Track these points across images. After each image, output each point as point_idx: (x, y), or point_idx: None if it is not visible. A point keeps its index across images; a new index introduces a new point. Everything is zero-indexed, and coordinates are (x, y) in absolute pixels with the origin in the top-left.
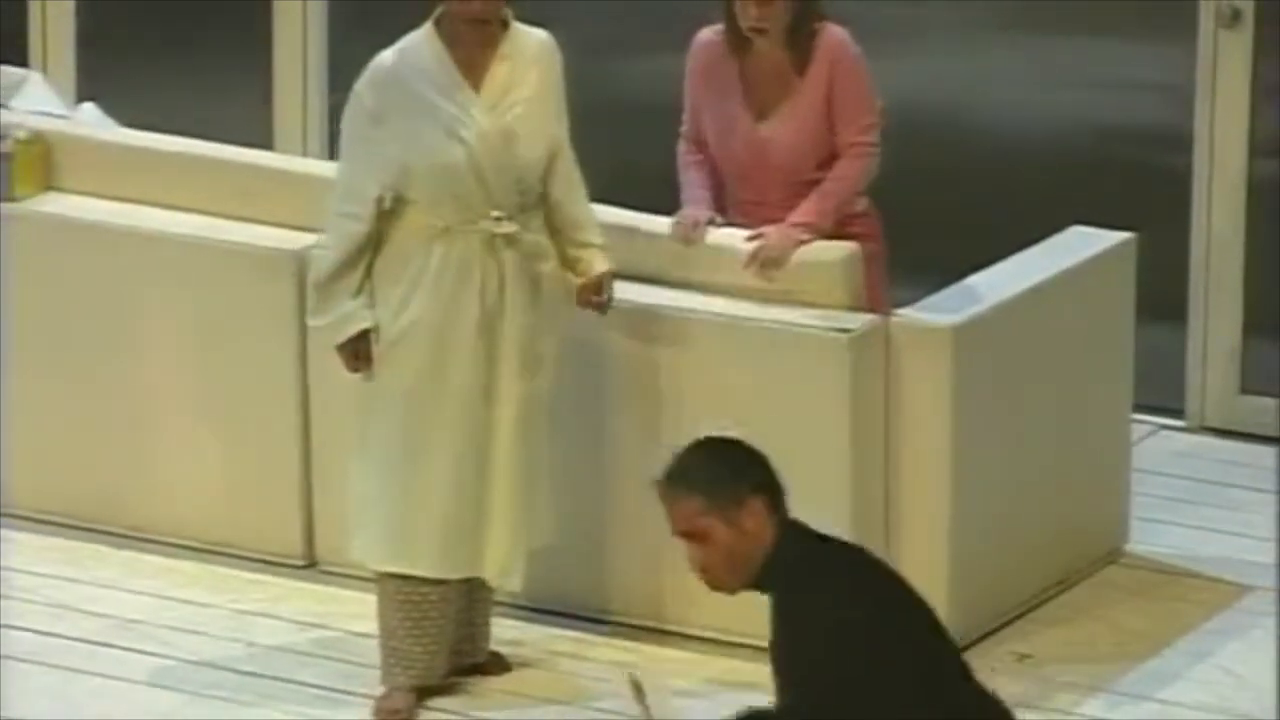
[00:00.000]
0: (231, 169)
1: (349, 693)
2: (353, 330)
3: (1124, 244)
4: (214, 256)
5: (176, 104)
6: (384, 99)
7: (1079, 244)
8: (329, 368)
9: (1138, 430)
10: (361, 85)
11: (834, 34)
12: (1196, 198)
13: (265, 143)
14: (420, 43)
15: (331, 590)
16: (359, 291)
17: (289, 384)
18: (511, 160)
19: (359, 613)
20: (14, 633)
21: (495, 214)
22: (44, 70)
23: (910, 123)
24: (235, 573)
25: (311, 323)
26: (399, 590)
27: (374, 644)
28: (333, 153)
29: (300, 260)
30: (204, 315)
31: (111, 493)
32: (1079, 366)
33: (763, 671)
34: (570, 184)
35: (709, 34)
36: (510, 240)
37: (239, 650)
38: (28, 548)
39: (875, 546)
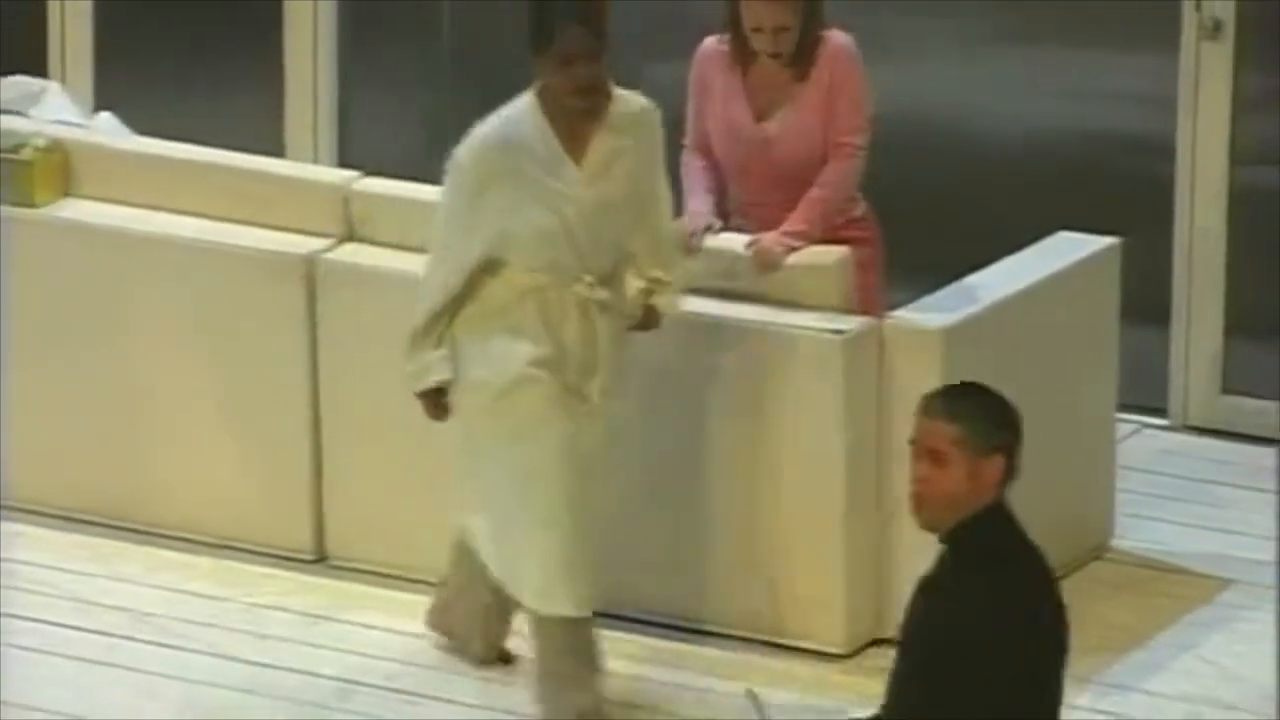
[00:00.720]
0: (243, 176)
1: (359, 684)
2: (431, 381)
3: (1110, 249)
4: (227, 260)
5: (190, 113)
6: (485, 170)
7: (1066, 248)
8: (339, 369)
9: (1123, 429)
10: (463, 155)
11: (837, 39)
12: (1180, 204)
13: (276, 150)
14: (522, 114)
15: (341, 584)
16: (440, 343)
17: (300, 384)
18: (609, 230)
19: (368, 606)
20: (36, 625)
21: (588, 279)
22: (63, 81)
23: (906, 130)
24: (248, 567)
25: (405, 367)
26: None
27: (381, 635)
28: (342, 159)
29: (309, 264)
30: (217, 317)
31: (129, 490)
32: (1066, 367)
33: (857, 682)
34: (658, 233)
35: (713, 43)
36: (603, 305)
37: (251, 642)
38: (50, 543)
39: (869, 545)
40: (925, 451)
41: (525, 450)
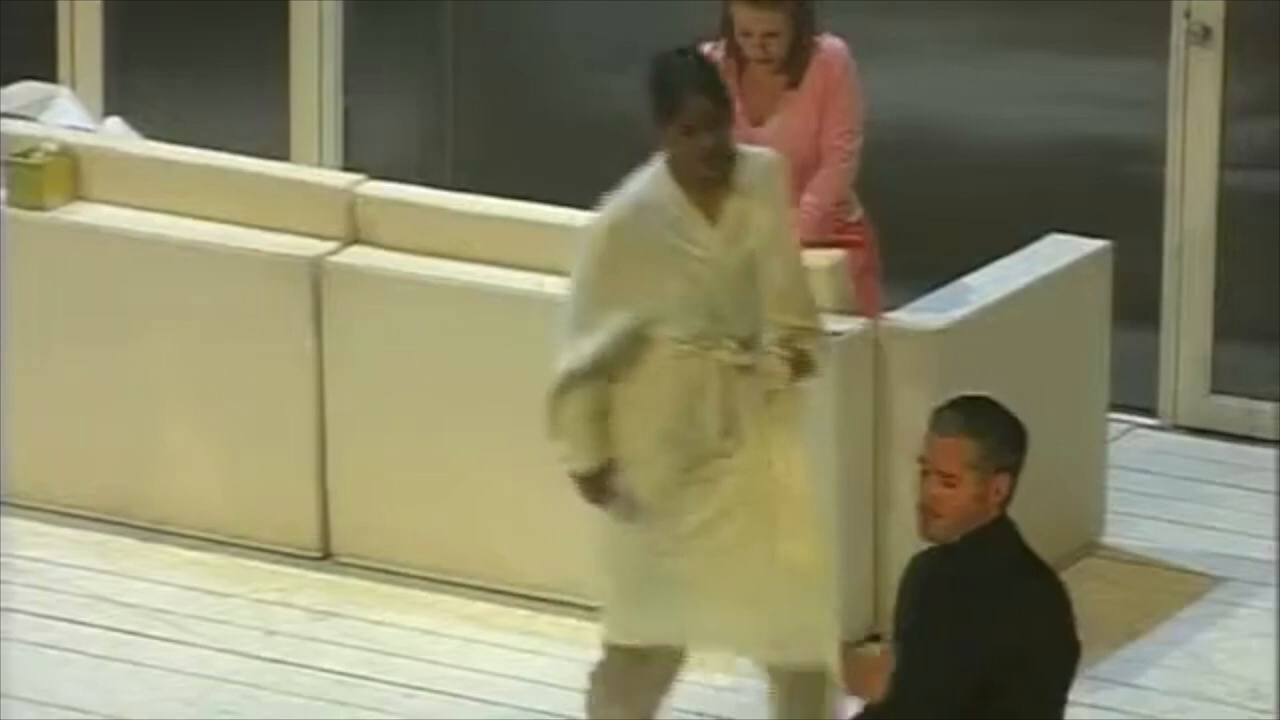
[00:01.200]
0: (250, 179)
1: (365, 678)
2: (581, 467)
3: (1100, 251)
4: (234, 262)
5: (197, 118)
6: (620, 240)
7: (1058, 251)
8: (344, 369)
9: (1113, 429)
10: (597, 224)
11: (831, 45)
12: (1169, 208)
13: (282, 154)
14: (654, 181)
15: (346, 581)
16: (592, 422)
17: (305, 385)
18: (749, 291)
19: (372, 602)
20: (51, 621)
21: (731, 345)
22: (72, 87)
23: (898, 135)
24: (255, 564)
25: (550, 440)
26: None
27: (385, 630)
28: (347, 162)
29: (315, 266)
30: (224, 318)
31: (137, 489)
32: (1058, 367)
33: None
34: (790, 278)
35: (708, 50)
36: (745, 369)
37: (259, 638)
38: (61, 541)
39: (864, 546)
40: (937, 471)
41: (647, 522)
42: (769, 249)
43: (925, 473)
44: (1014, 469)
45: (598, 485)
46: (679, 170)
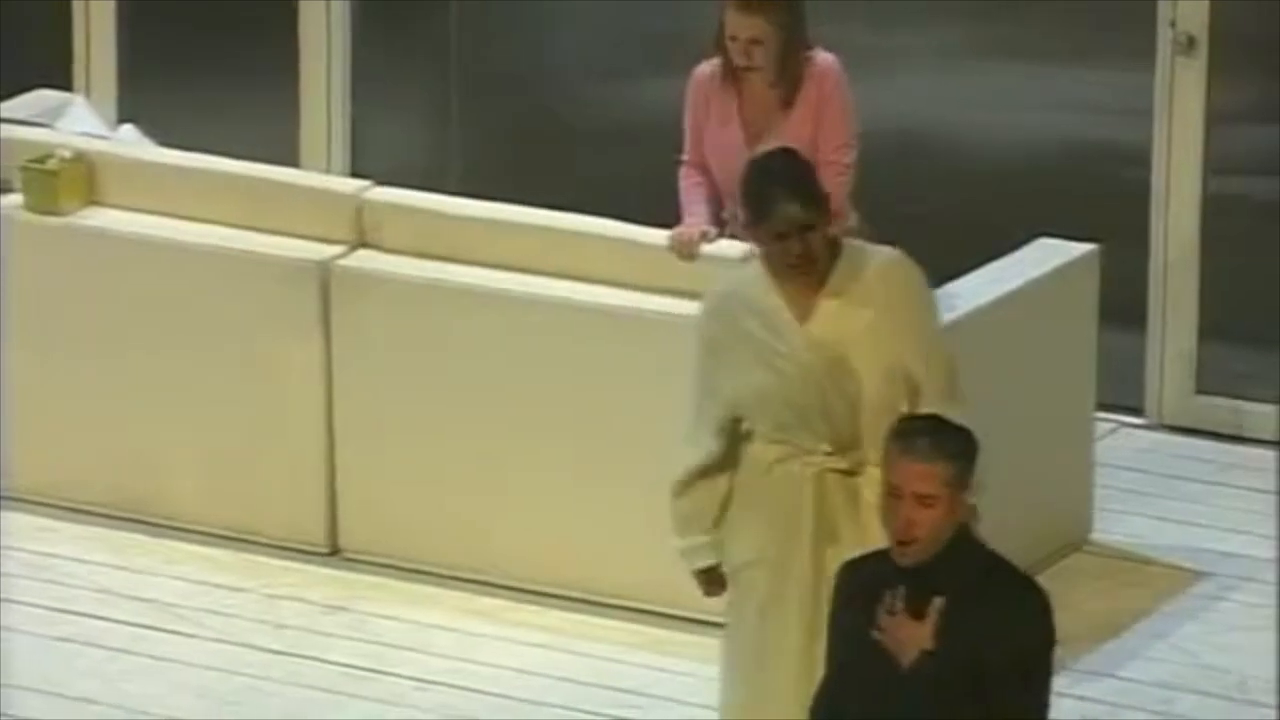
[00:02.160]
0: (260, 185)
1: (373, 670)
2: (699, 565)
3: (1088, 255)
4: (244, 266)
5: (209, 125)
6: (716, 329)
7: (1046, 255)
8: (352, 369)
9: (1101, 427)
10: (701, 313)
11: (824, 60)
12: (1155, 212)
13: (291, 160)
14: (751, 270)
15: (354, 576)
16: (712, 523)
17: (314, 384)
18: (841, 396)
19: (379, 597)
20: (61, 615)
21: (825, 448)
22: (87, 95)
23: (891, 143)
24: (265, 560)
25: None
26: None
27: (392, 624)
28: (354, 168)
29: (323, 269)
30: (234, 320)
31: (150, 486)
32: (1047, 368)
33: None
34: (926, 397)
35: (707, 67)
36: (844, 474)
37: (269, 631)
38: (74, 536)
39: None
40: (911, 495)
41: (753, 629)
42: (869, 355)
43: (897, 496)
44: (971, 477)
45: (712, 580)
46: (772, 265)
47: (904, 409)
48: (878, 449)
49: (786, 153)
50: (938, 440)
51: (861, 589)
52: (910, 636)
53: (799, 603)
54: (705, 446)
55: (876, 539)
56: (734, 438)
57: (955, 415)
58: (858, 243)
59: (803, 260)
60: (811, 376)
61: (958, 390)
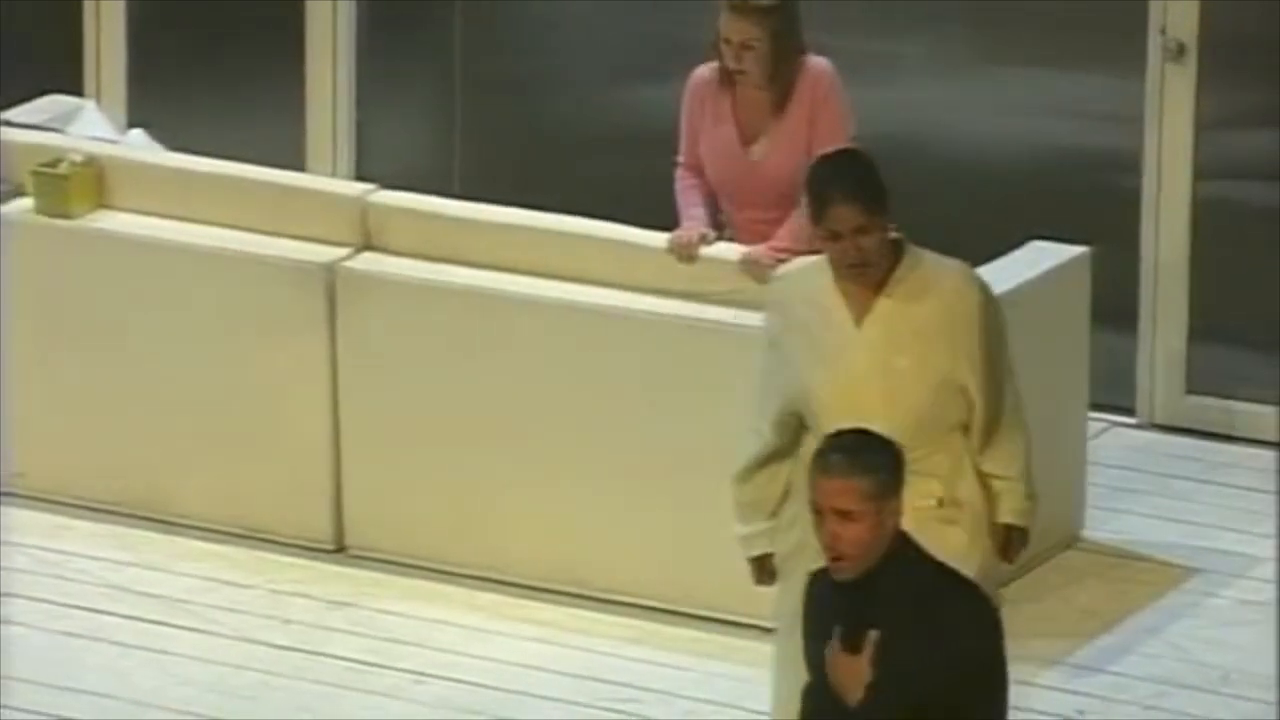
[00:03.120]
0: (266, 188)
1: (378, 665)
2: (753, 552)
3: (1080, 258)
4: (252, 268)
5: (217, 129)
6: (777, 322)
7: (1039, 257)
8: (357, 369)
9: (1093, 427)
10: (766, 305)
11: (816, 64)
12: (1146, 216)
13: (297, 164)
14: (816, 266)
15: (360, 572)
16: (771, 513)
17: (320, 384)
18: (888, 399)
19: (384, 593)
20: (71, 611)
21: None
22: (97, 100)
23: (884, 147)
24: (272, 557)
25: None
26: None
27: (396, 620)
28: (359, 172)
29: (329, 271)
30: (242, 321)
31: (159, 484)
32: (1040, 369)
33: None
34: (980, 419)
35: (703, 71)
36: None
37: (276, 627)
38: (84, 533)
39: None
40: (831, 511)
41: (785, 626)
42: (919, 363)
43: (819, 513)
44: (900, 485)
45: (763, 569)
46: (832, 262)
47: (963, 421)
48: (925, 458)
49: (850, 153)
50: (854, 456)
51: (816, 610)
52: (851, 674)
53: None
54: (765, 436)
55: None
56: (796, 429)
57: (1010, 443)
58: (922, 249)
59: (856, 264)
60: (863, 379)
61: (1016, 418)
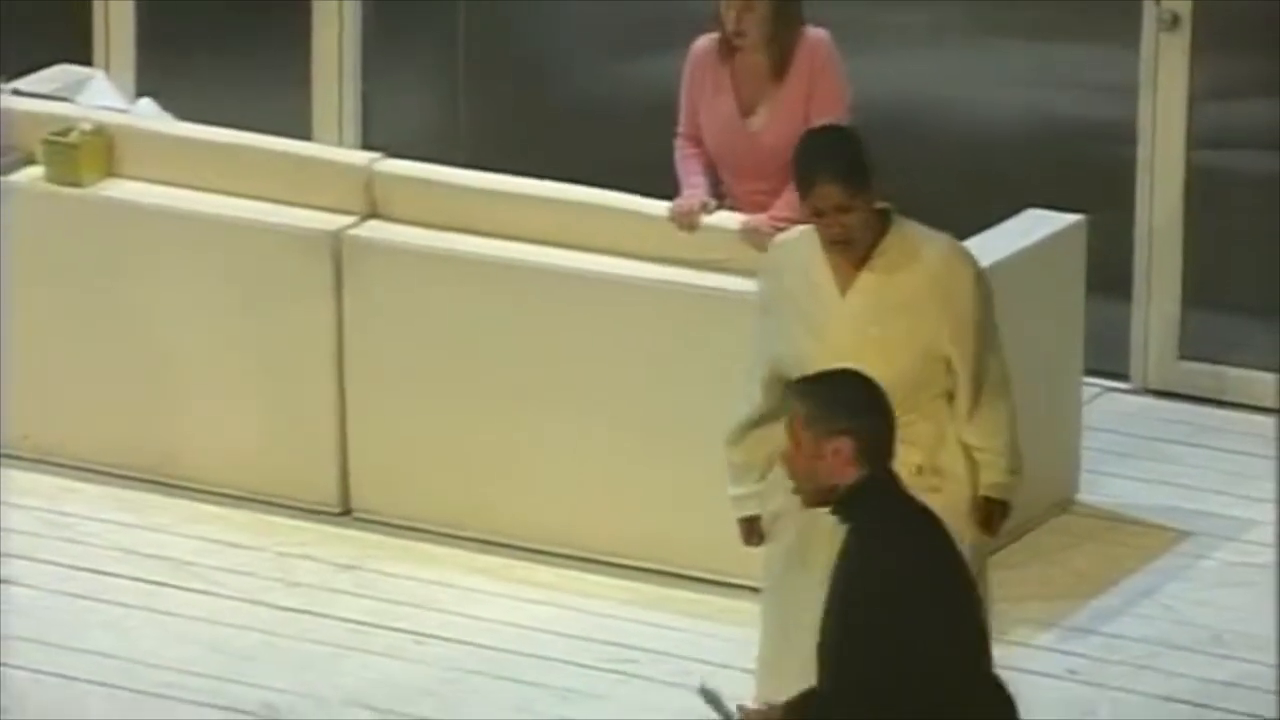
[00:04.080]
0: (273, 157)
1: (381, 626)
2: (743, 513)
3: (1075, 225)
4: (259, 235)
5: (225, 98)
6: (768, 288)
7: (1035, 225)
8: (362, 334)
9: (1087, 392)
10: (759, 272)
11: (814, 35)
12: (1140, 184)
13: (304, 133)
14: (805, 238)
15: (365, 535)
16: (762, 475)
17: (326, 349)
18: (876, 368)
19: (390, 555)
20: (77, 572)
21: None
22: (107, 69)
23: (883, 117)
24: (278, 520)
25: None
26: None
27: (401, 582)
28: (365, 141)
29: (335, 239)
30: (249, 288)
31: (167, 448)
32: (1036, 335)
33: None
34: (964, 390)
35: (704, 42)
36: None
37: (281, 589)
38: (91, 496)
39: None
40: (787, 429)
41: (778, 580)
42: (904, 333)
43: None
44: (854, 432)
45: (752, 530)
46: (819, 236)
47: (947, 390)
48: (909, 425)
49: (837, 131)
50: (810, 382)
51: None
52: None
53: (821, 566)
54: (755, 400)
55: None
56: (774, 389)
57: (993, 415)
58: (910, 222)
59: (839, 241)
60: (845, 349)
61: (1001, 391)
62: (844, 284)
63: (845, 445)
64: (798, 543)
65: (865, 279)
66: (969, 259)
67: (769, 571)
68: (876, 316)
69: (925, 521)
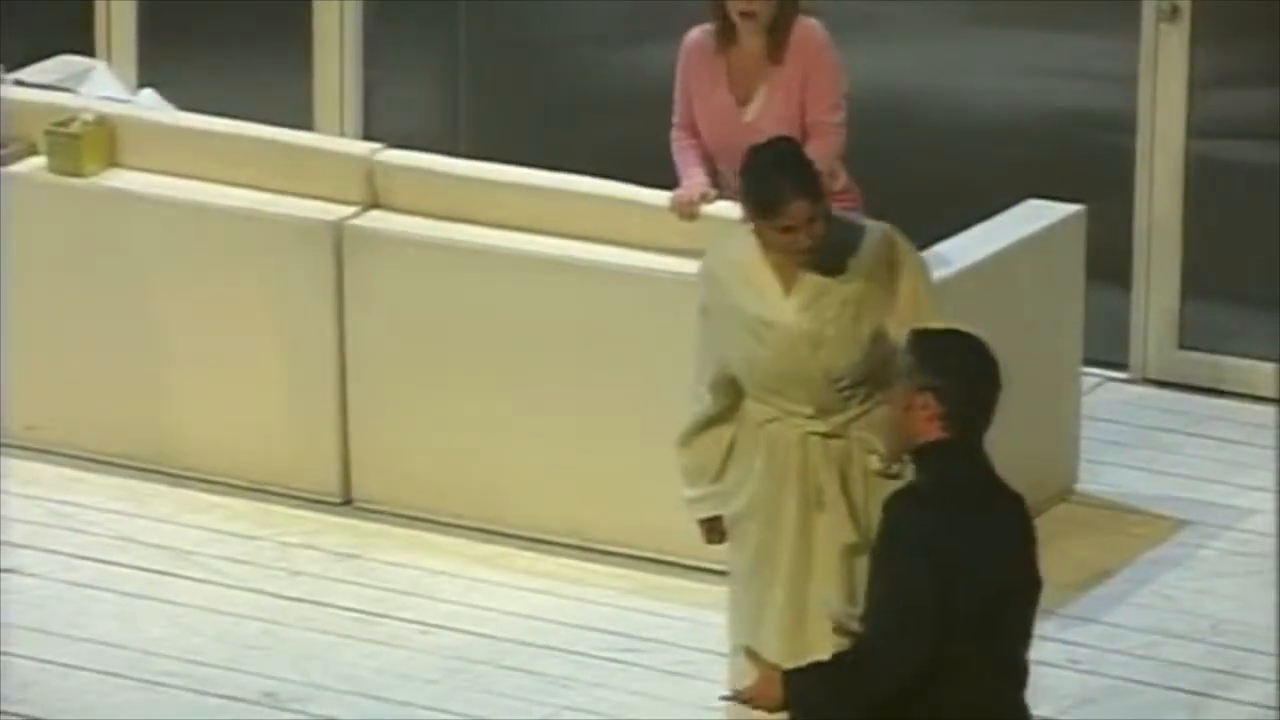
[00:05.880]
0: (275, 147)
1: (382, 615)
2: (699, 514)
3: (1075, 215)
4: (260, 225)
5: (226, 89)
6: (708, 290)
7: (1035, 215)
8: (364, 324)
9: (1087, 381)
10: (698, 277)
11: (807, 25)
12: (1140, 174)
13: (305, 123)
14: (744, 239)
15: (365, 525)
16: (715, 475)
17: (328, 339)
18: (819, 363)
19: (391, 544)
20: (81, 562)
21: (807, 411)
22: (108, 60)
23: (884, 107)
24: (279, 509)
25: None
26: None
27: (402, 571)
28: (367, 132)
29: (337, 229)
30: (251, 278)
31: (169, 437)
32: (1035, 324)
33: None
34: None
35: (698, 33)
36: (827, 437)
37: (283, 578)
38: (94, 486)
39: None
40: (894, 375)
41: (746, 580)
42: (849, 326)
43: None
44: (939, 389)
45: (712, 530)
46: (764, 240)
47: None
48: (867, 413)
49: (788, 143)
50: (920, 335)
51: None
52: (765, 695)
53: (787, 563)
54: (705, 401)
55: (863, 510)
56: (735, 392)
57: None
58: (845, 215)
59: (807, 250)
60: (791, 345)
61: None
62: (787, 283)
63: (930, 403)
64: (763, 543)
65: (808, 277)
66: (900, 239)
67: (737, 569)
68: (820, 313)
69: (991, 501)
